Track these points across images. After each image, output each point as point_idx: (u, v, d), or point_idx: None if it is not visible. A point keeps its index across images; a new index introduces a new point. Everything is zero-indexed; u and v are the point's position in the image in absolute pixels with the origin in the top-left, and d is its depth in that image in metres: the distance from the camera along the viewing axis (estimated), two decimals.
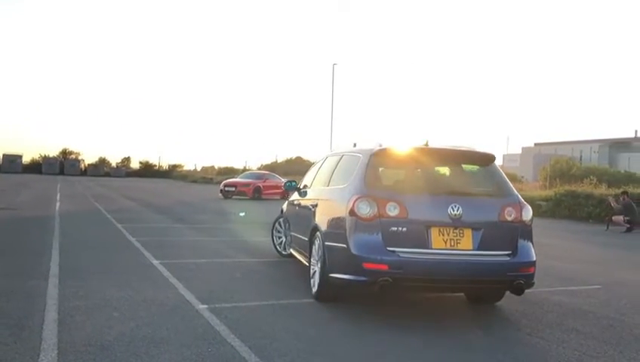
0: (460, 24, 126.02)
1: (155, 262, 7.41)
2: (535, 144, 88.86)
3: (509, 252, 4.86)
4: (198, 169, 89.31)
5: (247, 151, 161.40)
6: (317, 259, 5.61)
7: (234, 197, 25.26)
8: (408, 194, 4.82)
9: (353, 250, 4.76)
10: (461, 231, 4.77)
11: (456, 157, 5.29)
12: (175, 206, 19.74)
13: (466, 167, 5.27)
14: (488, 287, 5.07)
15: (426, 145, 5.34)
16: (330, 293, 5.35)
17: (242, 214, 16.55)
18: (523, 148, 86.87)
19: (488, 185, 5.12)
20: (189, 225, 13.02)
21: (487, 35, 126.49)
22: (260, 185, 25.78)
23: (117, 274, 6.50)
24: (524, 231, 4.97)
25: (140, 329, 4.31)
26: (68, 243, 8.76)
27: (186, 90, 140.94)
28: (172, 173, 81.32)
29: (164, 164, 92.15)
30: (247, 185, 25.50)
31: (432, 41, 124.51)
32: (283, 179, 27.66)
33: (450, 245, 4.74)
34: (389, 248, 4.67)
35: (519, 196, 5.11)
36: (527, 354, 4.17)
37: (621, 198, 16.74)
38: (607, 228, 16.26)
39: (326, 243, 5.23)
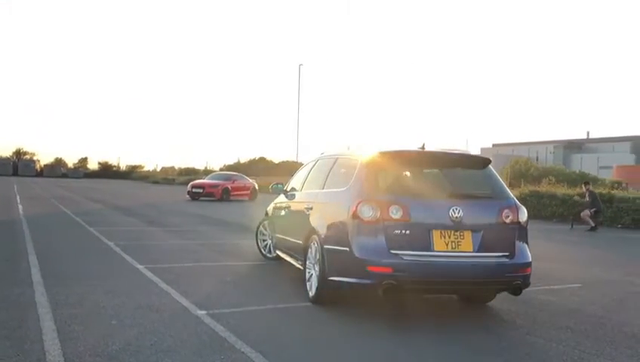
0: (419, 29, 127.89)
1: (140, 266, 7.25)
2: (493, 145, 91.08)
3: (507, 253, 4.97)
4: (158, 170, 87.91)
5: (208, 152, 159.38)
6: (313, 262, 5.60)
7: (201, 198, 24.92)
8: (410, 198, 4.86)
9: (357, 253, 4.77)
10: (461, 234, 4.85)
11: (454, 161, 5.38)
12: (143, 208, 19.34)
13: (463, 170, 5.35)
14: (488, 288, 5.17)
15: (423, 148, 5.39)
16: (328, 297, 5.35)
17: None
18: (482, 149, 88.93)
19: (485, 188, 5.22)
20: (163, 227, 12.78)
21: (447, 38, 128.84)
22: (229, 186, 25.52)
23: (104, 279, 6.33)
24: (521, 232, 5.09)
25: (144, 337, 4.21)
26: (44, 249, 8.47)
27: (145, 90, 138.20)
28: (132, 174, 79.77)
29: (124, 165, 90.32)
30: (215, 186, 25.19)
31: (393, 45, 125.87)
32: (251, 180, 27.57)
33: (452, 247, 4.81)
34: (392, 251, 4.70)
35: (515, 198, 5.23)
36: (531, 354, 4.26)
37: (586, 190, 17.29)
38: (572, 226, 16.79)
39: (325, 246, 5.23)
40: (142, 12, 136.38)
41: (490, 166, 5.42)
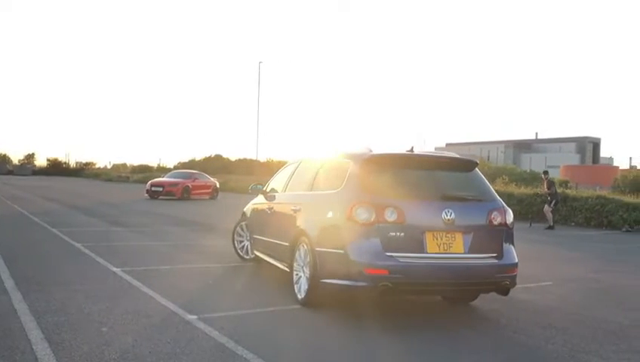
0: (374, 27, 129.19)
1: (116, 269, 7.05)
2: (447, 144, 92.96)
3: (495, 254, 5.09)
4: (109, 167, 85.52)
5: (161, 149, 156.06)
6: (302, 264, 5.58)
7: (161, 197, 24.40)
8: (405, 200, 4.91)
9: (352, 256, 4.78)
10: (453, 236, 4.94)
11: (443, 164, 5.46)
12: (102, 207, 18.79)
13: (452, 172, 5.44)
14: (477, 289, 5.28)
15: (411, 150, 5.45)
16: (319, 299, 5.34)
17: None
18: (436, 148, 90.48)
19: (474, 190, 5.32)
20: (128, 228, 12.46)
21: (401, 37, 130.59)
22: (189, 184, 25.07)
23: (81, 284, 6.12)
24: (508, 234, 5.22)
25: (140, 344, 4.10)
26: (8, 252, 8.10)
27: (93, 84, 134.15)
28: (84, 171, 77.23)
29: (73, 162, 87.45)
30: (175, 184, 24.70)
31: (350, 44, 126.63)
32: (213, 179, 27.18)
33: (444, 249, 4.89)
34: (387, 253, 4.74)
35: (502, 201, 5.36)
36: (525, 354, 4.39)
37: (545, 179, 17.83)
38: (530, 225, 17.34)
39: (317, 249, 5.22)
40: (94, 5, 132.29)
41: (476, 168, 5.54)
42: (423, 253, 4.84)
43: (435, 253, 4.86)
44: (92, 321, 4.66)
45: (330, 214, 5.24)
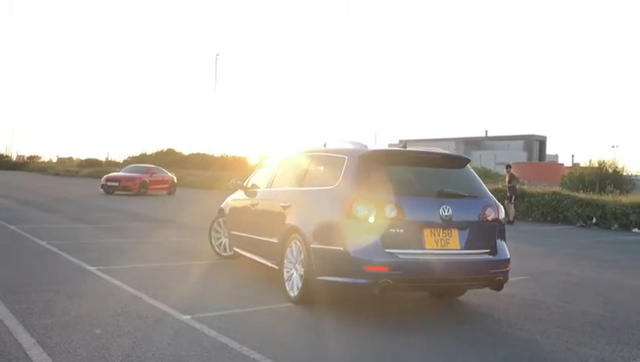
0: (327, 22, 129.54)
1: (92, 268, 6.77)
2: (400, 141, 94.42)
3: (489, 250, 5.15)
4: (55, 161, 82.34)
5: (109, 142, 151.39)
6: (294, 261, 5.50)
7: (117, 192, 23.66)
8: (403, 196, 4.90)
9: (352, 253, 4.74)
10: (449, 232, 4.97)
11: (437, 160, 5.48)
12: (58, 203, 18.05)
13: (446, 169, 5.46)
14: (472, 285, 5.33)
15: (405, 147, 5.44)
16: (312, 297, 5.28)
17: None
18: (389, 145, 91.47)
19: (467, 186, 5.36)
20: (92, 224, 12.00)
21: (354, 33, 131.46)
22: (147, 179, 24.38)
23: (60, 284, 5.84)
24: (500, 230, 5.30)
25: (140, 346, 3.93)
26: None
27: (38, 75, 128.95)
28: (28, 165, 74.01)
29: (15, 155, 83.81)
30: (132, 179, 23.96)
31: (305, 39, 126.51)
32: (170, 174, 26.56)
33: (441, 245, 4.92)
34: (387, 250, 4.72)
35: (494, 197, 5.44)
36: (524, 349, 4.44)
37: (507, 172, 18.24)
38: None
39: (312, 246, 5.15)
40: None
41: (468, 165, 5.59)
42: (422, 249, 4.84)
43: (433, 249, 4.88)
44: (82, 323, 4.44)
45: (326, 211, 5.18)
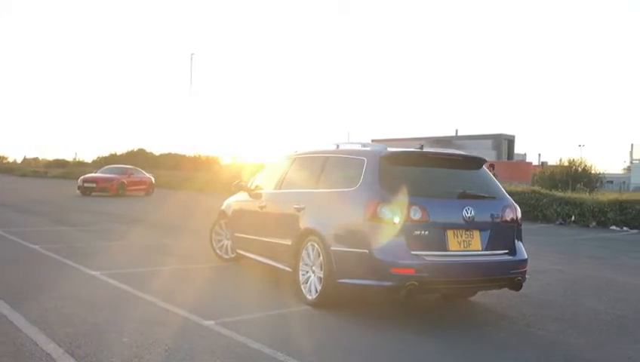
0: (299, 22, 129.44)
1: (95, 273, 6.59)
2: (372, 140, 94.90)
3: (508, 251, 5.20)
4: (20, 161, 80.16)
5: (76, 143, 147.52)
6: (311, 264, 5.45)
7: (94, 194, 23.12)
8: (426, 198, 4.90)
9: (378, 256, 4.71)
10: (471, 233, 4.99)
11: (455, 162, 5.50)
12: (34, 205, 17.51)
13: (463, 170, 5.48)
14: (493, 285, 5.35)
15: (421, 148, 5.44)
16: (332, 299, 5.24)
17: None
18: (361, 145, 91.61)
19: (485, 187, 5.40)
20: (76, 227, 11.69)
21: (323, 32, 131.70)
22: (124, 180, 23.89)
23: (67, 290, 5.67)
24: (518, 231, 5.35)
25: (175, 355, 3.84)
26: None
27: (1, 74, 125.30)
28: None
29: None
30: (109, 180, 23.44)
31: (279, 38, 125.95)
32: (148, 174, 26.10)
33: (464, 247, 4.94)
34: (413, 252, 4.71)
35: (511, 198, 5.48)
36: (553, 349, 4.48)
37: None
38: None
39: (333, 248, 5.11)
40: None
41: (484, 166, 5.63)
42: (445, 250, 4.85)
43: (457, 251, 4.90)
44: (105, 331, 4.31)
45: (347, 213, 5.14)
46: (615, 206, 17.27)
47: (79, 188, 23.31)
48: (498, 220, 5.19)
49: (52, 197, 21.95)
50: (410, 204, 4.78)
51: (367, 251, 4.79)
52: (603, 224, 17.24)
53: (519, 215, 5.39)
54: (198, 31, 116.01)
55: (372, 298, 5.56)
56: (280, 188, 6.54)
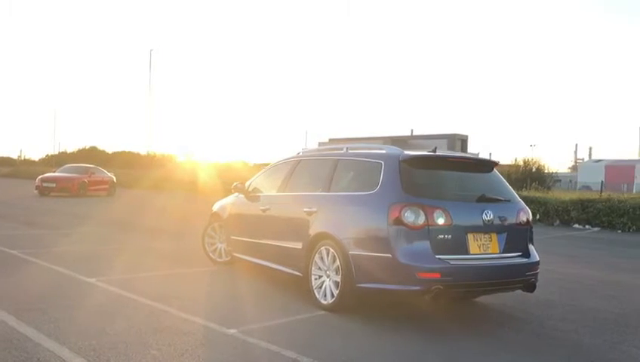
0: (259, 22, 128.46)
1: (91, 280, 6.32)
2: (330, 139, 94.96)
3: (521, 253, 5.29)
4: None
5: (20, 140, 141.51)
6: (326, 268, 5.39)
7: (53, 194, 22.24)
8: (448, 201, 4.92)
9: (403, 260, 4.70)
10: (489, 236, 5.05)
11: (469, 165, 5.55)
12: None
13: (477, 173, 5.53)
14: (509, 288, 5.42)
15: (434, 151, 5.46)
16: (350, 304, 5.19)
17: None
18: (319, 143, 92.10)
19: (500, 190, 5.46)
20: (49, 230, 11.21)
21: (282, 33, 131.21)
22: (86, 180, 23.08)
23: (70, 299, 5.42)
24: (530, 233, 5.45)
25: None
26: None
27: None
28: None
29: None
30: (70, 180, 22.58)
31: (236, 37, 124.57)
32: (110, 174, 25.31)
33: (483, 250, 4.99)
34: (437, 256, 4.72)
35: (522, 201, 5.58)
36: (575, 349, 4.58)
37: None
38: None
39: (352, 252, 5.06)
40: None
41: (495, 169, 5.70)
42: (467, 254, 4.89)
43: (477, 254, 4.94)
44: (130, 344, 4.12)
45: (367, 216, 5.11)
46: (578, 205, 17.91)
47: (37, 187, 22.38)
48: (513, 223, 5.26)
49: (8, 197, 21.00)
50: (435, 207, 4.79)
51: (389, 255, 4.77)
52: (566, 222, 17.86)
53: (531, 217, 5.49)
54: (159, 27, 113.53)
55: (385, 301, 5.55)
56: (285, 191, 6.44)
